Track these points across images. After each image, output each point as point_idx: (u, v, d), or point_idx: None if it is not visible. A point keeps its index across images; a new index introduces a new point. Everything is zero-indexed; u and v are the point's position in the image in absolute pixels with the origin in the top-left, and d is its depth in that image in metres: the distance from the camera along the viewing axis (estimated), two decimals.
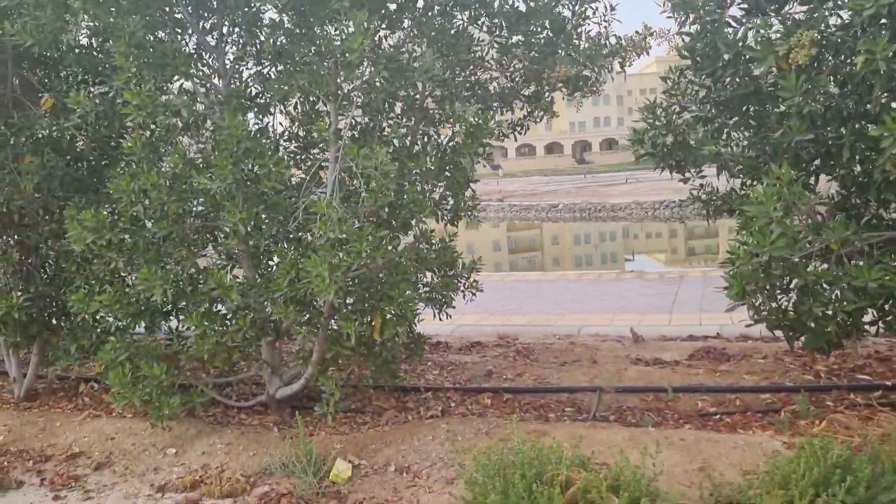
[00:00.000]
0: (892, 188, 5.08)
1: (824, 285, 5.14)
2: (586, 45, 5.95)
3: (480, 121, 5.60)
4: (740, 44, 5.54)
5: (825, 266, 5.28)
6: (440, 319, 6.70)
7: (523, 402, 6.41)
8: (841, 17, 5.24)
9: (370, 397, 6.78)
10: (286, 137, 6.56)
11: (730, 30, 5.58)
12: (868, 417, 5.40)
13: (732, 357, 7.24)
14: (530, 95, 6.85)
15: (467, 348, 8.58)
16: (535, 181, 65.60)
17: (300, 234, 5.96)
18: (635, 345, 8.14)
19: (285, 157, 6.49)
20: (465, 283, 6.78)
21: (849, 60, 5.15)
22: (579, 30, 6.06)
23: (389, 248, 5.38)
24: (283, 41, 5.80)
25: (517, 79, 6.61)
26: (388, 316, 5.52)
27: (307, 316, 5.77)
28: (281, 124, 6.85)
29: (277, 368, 6.39)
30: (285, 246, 6.11)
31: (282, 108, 6.60)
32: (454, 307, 6.74)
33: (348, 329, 5.41)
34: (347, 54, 4.97)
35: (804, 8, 5.37)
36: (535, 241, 34.71)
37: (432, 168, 5.99)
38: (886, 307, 5.26)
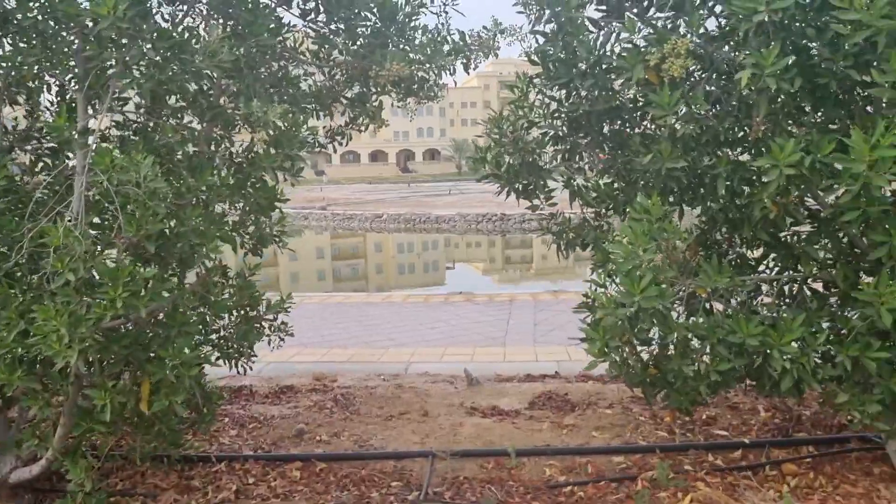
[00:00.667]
0: (769, 227, 4.43)
1: (692, 338, 4.42)
2: (424, 40, 4.86)
3: (288, 126, 4.34)
4: (600, 50, 4.72)
5: (689, 314, 4.54)
6: (238, 373, 5.35)
7: (341, 473, 5.19)
8: (706, 29, 4.52)
9: (144, 472, 5.27)
10: (24, 136, 4.90)
11: (590, 34, 4.74)
12: (733, 486, 4.73)
13: (577, 406, 6.44)
14: (353, 98, 5.67)
15: (276, 394, 7.20)
16: (359, 189, 64.55)
17: (35, 270, 4.39)
18: (470, 388, 7.17)
19: (25, 162, 4.90)
20: (270, 327, 5.46)
21: (725, 77, 4.47)
22: (414, 21, 4.95)
23: (161, 292, 3.98)
24: (13, 4, 4.19)
25: (338, 76, 5.40)
26: (160, 380, 4.12)
27: (47, 382, 4.25)
28: (25, 118, 5.19)
29: (9, 447, 4.75)
30: (25, 286, 4.52)
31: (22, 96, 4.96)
32: (255, 357, 5.40)
33: (102, 401, 3.98)
34: (97, 23, 3.55)
35: (669, 14, 4.62)
36: (359, 250, 33.77)
37: (228, 185, 4.63)
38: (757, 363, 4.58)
